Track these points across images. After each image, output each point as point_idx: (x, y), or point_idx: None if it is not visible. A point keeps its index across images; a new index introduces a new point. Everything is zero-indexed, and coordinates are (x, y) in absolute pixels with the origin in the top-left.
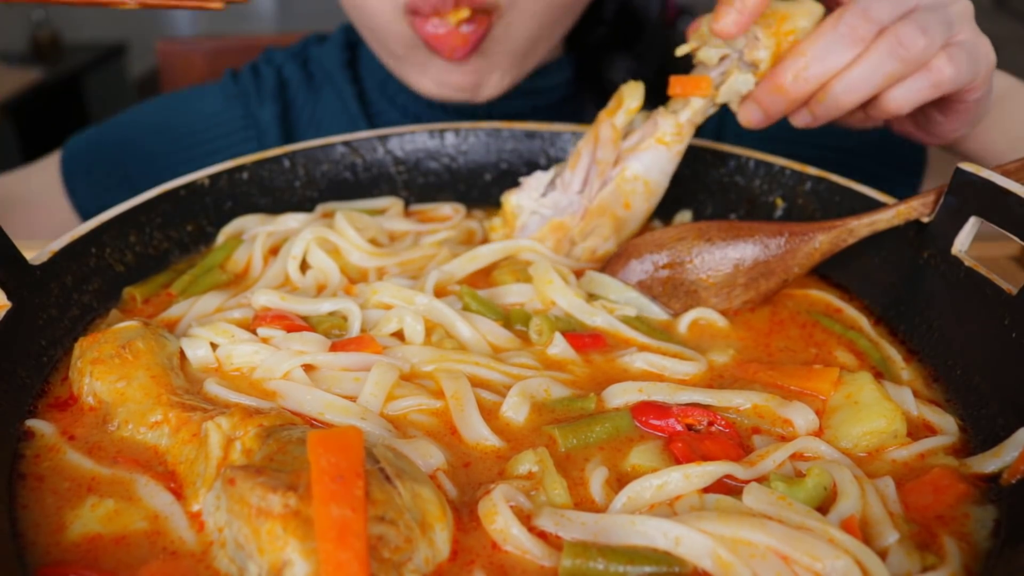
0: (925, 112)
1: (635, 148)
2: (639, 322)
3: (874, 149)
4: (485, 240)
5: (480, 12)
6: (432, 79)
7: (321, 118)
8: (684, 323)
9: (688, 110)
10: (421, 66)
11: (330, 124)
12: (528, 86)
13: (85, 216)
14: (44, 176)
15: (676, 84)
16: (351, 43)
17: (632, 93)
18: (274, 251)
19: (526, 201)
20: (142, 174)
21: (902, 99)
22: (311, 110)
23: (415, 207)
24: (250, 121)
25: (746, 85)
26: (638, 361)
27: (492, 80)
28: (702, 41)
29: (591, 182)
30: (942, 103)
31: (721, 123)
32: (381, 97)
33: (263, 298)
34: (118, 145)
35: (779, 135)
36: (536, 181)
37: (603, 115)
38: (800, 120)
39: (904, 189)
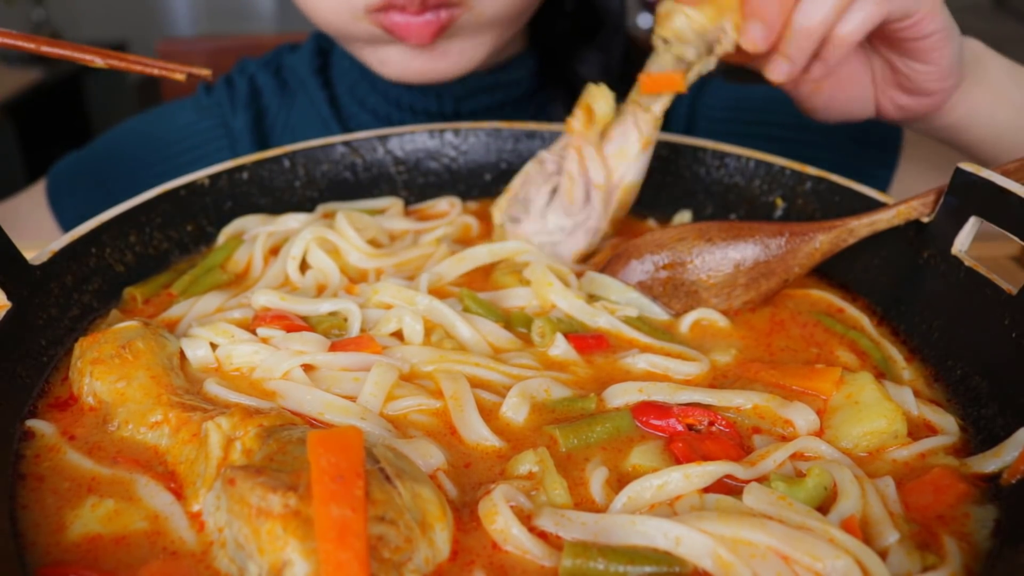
0: (894, 66)
1: (623, 155)
2: (641, 323)
3: (849, 130)
4: (483, 235)
5: (448, 4)
6: (396, 68)
7: (295, 124)
8: (686, 323)
9: (659, 103)
10: (383, 54)
11: (304, 130)
12: (493, 81)
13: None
14: (32, 203)
15: (649, 83)
16: (322, 50)
17: (599, 98)
18: (275, 251)
19: (535, 235)
20: (122, 191)
21: (852, 25)
22: (285, 116)
23: (413, 206)
24: (222, 131)
25: (707, 68)
26: (641, 362)
27: (457, 65)
28: (674, 35)
29: (593, 202)
30: (905, 47)
31: (691, 118)
32: (351, 101)
33: (263, 298)
34: (99, 165)
35: (752, 118)
36: (535, 209)
37: (577, 127)
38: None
39: (883, 170)
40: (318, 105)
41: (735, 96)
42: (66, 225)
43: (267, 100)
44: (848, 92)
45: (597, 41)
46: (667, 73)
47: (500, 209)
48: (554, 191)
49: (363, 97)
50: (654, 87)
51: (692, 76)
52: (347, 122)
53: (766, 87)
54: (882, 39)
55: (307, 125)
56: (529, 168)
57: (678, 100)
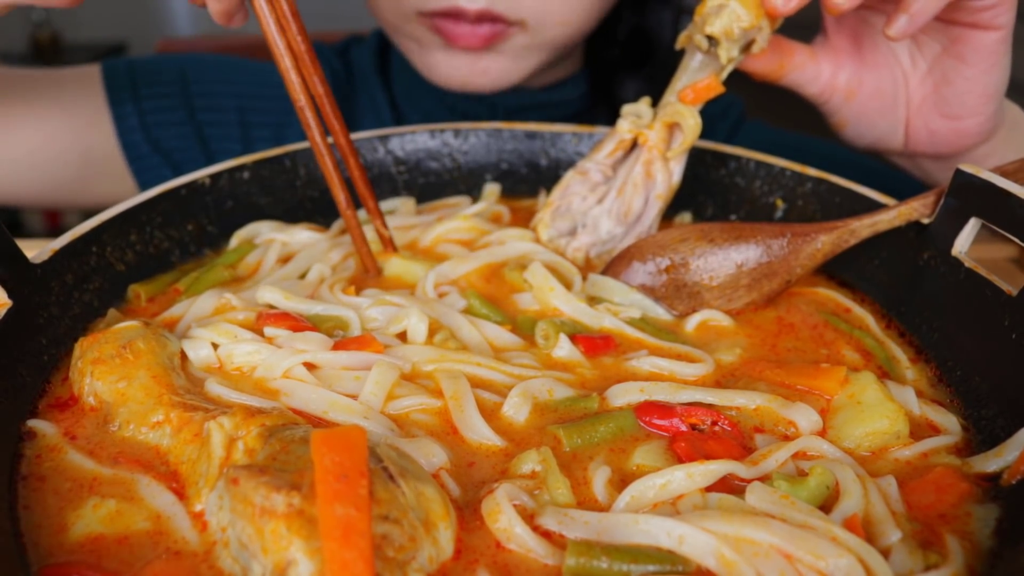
0: (941, 73)
1: (678, 155)
2: (644, 323)
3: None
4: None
5: (503, 22)
6: (442, 73)
7: (358, 119)
8: (691, 324)
9: (699, 106)
10: (431, 59)
11: (363, 126)
12: (545, 99)
13: (125, 138)
14: (80, 83)
15: (693, 96)
16: (383, 47)
17: (688, 117)
18: (285, 260)
19: (592, 247)
20: (208, 121)
21: None
22: (349, 109)
23: (421, 206)
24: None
25: (735, 64)
26: (646, 365)
27: (501, 77)
28: (723, 34)
29: (649, 209)
30: (965, 41)
31: (731, 134)
32: (406, 101)
33: (268, 294)
34: (178, 78)
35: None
36: (588, 221)
37: (653, 140)
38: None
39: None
40: (379, 106)
41: (770, 139)
42: (120, 119)
43: (343, 90)
44: (878, 102)
45: (644, 72)
46: (707, 82)
47: (545, 224)
48: (600, 200)
49: (419, 99)
50: (697, 98)
51: (725, 75)
52: (403, 123)
53: (799, 134)
54: (945, 32)
55: (366, 123)
56: (568, 179)
57: (715, 136)
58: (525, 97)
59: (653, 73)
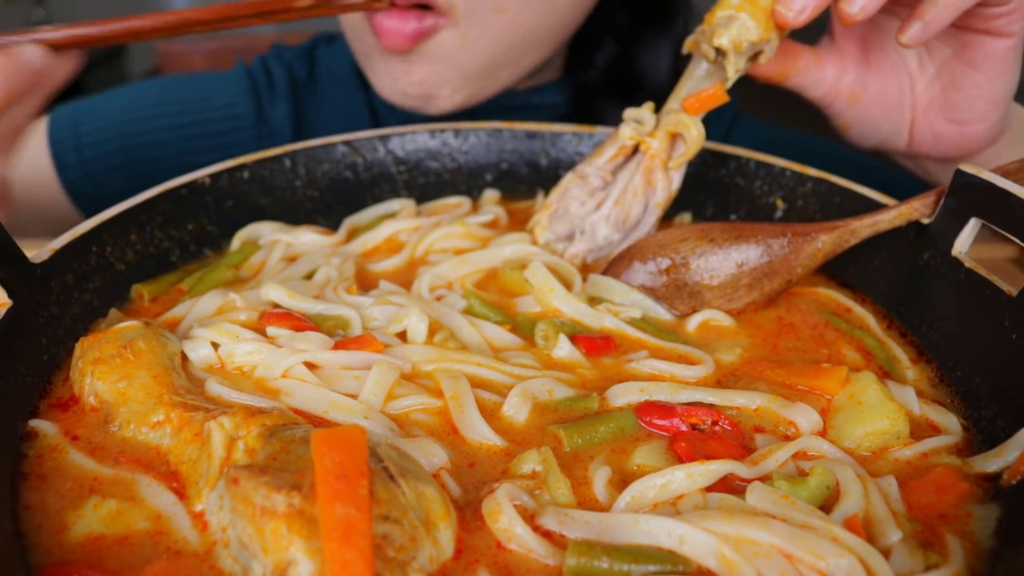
0: (951, 78)
1: (679, 165)
2: (645, 324)
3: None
4: (511, 228)
5: (430, 8)
6: (385, 83)
7: (327, 123)
8: (692, 324)
9: (700, 116)
10: (377, 67)
11: (339, 129)
12: (525, 101)
13: (73, 194)
14: (29, 142)
15: (696, 105)
16: None
17: (691, 128)
18: (289, 261)
19: (588, 253)
20: (148, 158)
21: None
22: (315, 114)
23: (421, 207)
24: (262, 120)
25: (741, 73)
26: (646, 367)
27: (442, 93)
28: (732, 46)
29: (648, 216)
30: (976, 48)
31: (728, 131)
32: (384, 106)
33: (273, 293)
34: (117, 122)
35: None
36: (587, 226)
37: (655, 148)
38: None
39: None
40: (356, 107)
41: (768, 137)
42: (70, 183)
43: (300, 94)
44: (882, 106)
45: (630, 102)
46: (710, 92)
47: (543, 227)
48: (598, 206)
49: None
50: (701, 108)
51: (729, 84)
52: (382, 124)
53: (796, 132)
54: (956, 37)
55: (342, 126)
56: (567, 183)
57: (710, 135)
58: (504, 99)
59: (641, 102)
